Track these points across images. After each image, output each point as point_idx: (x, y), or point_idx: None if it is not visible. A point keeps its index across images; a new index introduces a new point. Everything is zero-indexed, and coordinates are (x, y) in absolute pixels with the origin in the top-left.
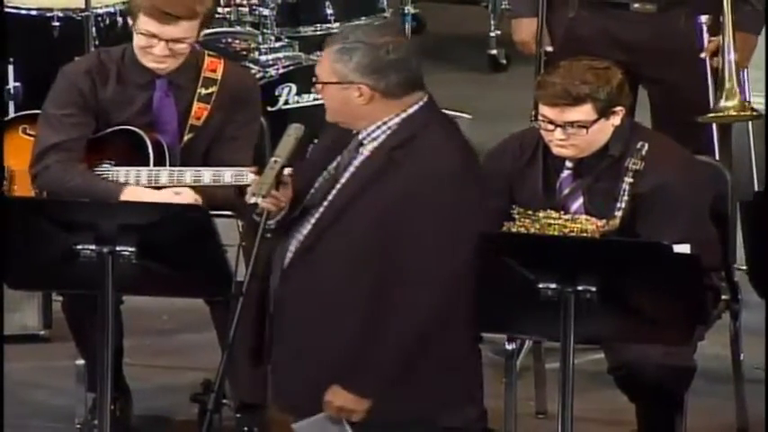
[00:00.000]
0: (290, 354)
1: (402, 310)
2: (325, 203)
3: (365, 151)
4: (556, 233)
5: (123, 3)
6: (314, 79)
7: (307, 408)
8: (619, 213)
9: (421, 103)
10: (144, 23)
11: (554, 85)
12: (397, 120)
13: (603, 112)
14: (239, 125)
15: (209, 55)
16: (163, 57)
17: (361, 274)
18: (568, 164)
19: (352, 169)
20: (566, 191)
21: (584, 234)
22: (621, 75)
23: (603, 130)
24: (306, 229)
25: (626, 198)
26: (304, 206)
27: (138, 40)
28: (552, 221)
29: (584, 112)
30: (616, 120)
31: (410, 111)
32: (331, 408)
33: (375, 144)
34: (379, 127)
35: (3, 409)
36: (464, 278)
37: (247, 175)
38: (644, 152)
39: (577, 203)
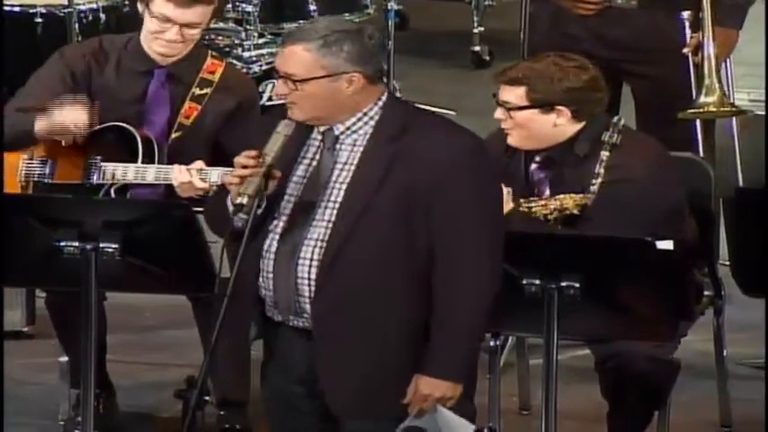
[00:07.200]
0: (340, 360)
1: (466, 285)
2: (330, 206)
3: (347, 146)
4: (540, 216)
5: None
6: (293, 77)
7: (357, 408)
8: (597, 181)
9: (387, 92)
10: (159, 6)
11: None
12: (375, 109)
13: (539, 104)
14: (249, 135)
15: (212, 56)
16: (173, 42)
17: (398, 265)
18: (537, 158)
19: (349, 167)
20: (535, 180)
21: (565, 212)
22: (588, 80)
23: (538, 122)
24: (295, 231)
25: (601, 171)
26: (270, 207)
27: (150, 25)
28: (533, 205)
29: (517, 95)
30: (559, 119)
31: (383, 98)
32: (428, 399)
33: (357, 137)
34: (359, 119)
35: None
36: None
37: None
38: (620, 126)
39: (545, 195)
